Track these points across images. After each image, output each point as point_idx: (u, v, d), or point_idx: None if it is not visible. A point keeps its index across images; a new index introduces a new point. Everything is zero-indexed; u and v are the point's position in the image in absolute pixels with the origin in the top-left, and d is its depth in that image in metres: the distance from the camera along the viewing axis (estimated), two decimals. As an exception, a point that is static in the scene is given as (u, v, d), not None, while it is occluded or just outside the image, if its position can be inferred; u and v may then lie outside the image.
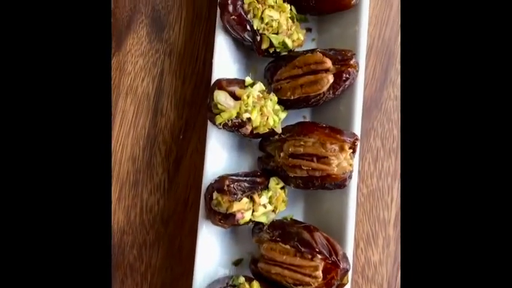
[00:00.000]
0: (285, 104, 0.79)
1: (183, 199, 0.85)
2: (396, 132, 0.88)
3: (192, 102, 0.87)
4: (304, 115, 0.86)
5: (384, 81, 0.89)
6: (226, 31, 0.78)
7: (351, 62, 0.75)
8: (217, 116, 0.70)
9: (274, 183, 0.75)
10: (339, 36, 0.84)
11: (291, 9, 0.79)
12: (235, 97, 0.71)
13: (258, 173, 0.77)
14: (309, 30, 0.88)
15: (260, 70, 0.84)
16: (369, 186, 0.88)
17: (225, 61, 0.79)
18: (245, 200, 0.70)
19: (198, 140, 0.85)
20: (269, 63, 0.82)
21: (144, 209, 0.85)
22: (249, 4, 0.75)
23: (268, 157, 0.80)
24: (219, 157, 0.78)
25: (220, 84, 0.71)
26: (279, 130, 0.76)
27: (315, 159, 0.73)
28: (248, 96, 0.71)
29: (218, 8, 0.76)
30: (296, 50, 0.82)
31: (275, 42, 0.77)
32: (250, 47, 0.79)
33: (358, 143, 0.75)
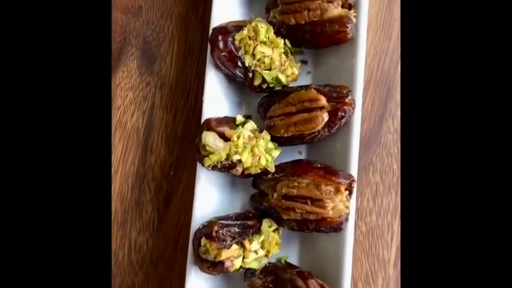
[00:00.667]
0: (279, 141, 0.76)
1: (173, 239, 0.82)
2: (396, 166, 0.84)
3: (183, 137, 0.84)
4: (299, 150, 0.83)
5: (383, 114, 0.86)
6: (217, 67, 0.75)
7: (347, 100, 0.71)
8: (206, 158, 0.67)
9: (267, 225, 0.72)
10: (336, 69, 0.81)
11: (285, 43, 0.76)
12: (225, 138, 0.68)
13: (251, 214, 0.73)
14: (304, 62, 0.85)
15: (254, 104, 0.81)
16: (368, 224, 0.84)
17: (216, 97, 0.76)
18: (235, 246, 0.67)
19: (189, 177, 0.82)
20: (262, 98, 0.79)
21: (132, 248, 0.81)
22: (240, 40, 0.72)
23: (262, 195, 0.76)
24: (210, 198, 0.75)
25: (209, 125, 0.68)
26: (272, 169, 0.73)
27: (309, 201, 0.70)
28: (238, 137, 0.68)
29: (208, 44, 0.73)
30: (291, 84, 0.79)
31: (268, 78, 0.74)
32: (242, 82, 0.76)
33: (355, 185, 0.71)
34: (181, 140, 0.84)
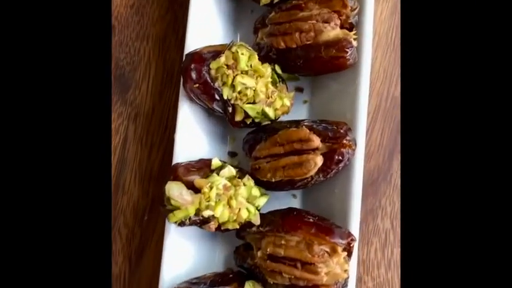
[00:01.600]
0: (266, 185, 0.64)
1: (145, 296, 0.71)
2: (409, 210, 0.71)
3: (159, 176, 0.73)
4: (294, 193, 0.71)
5: (394, 148, 0.73)
6: (193, 101, 0.63)
7: (345, 141, 0.59)
8: (171, 215, 0.56)
9: (249, 290, 0.60)
10: (336, 96, 0.69)
11: (274, 70, 0.65)
12: (195, 189, 0.56)
13: (231, 275, 0.62)
14: (299, 90, 0.73)
15: (240, 138, 0.69)
16: (375, 279, 0.71)
17: (192, 135, 0.65)
18: (206, 322, 0.55)
19: (165, 223, 0.71)
20: (248, 133, 0.67)
21: (100, 305, 0.70)
22: (217, 70, 0.60)
23: (247, 248, 0.65)
24: (183, 254, 0.64)
25: (175, 173, 0.57)
26: (256, 222, 0.61)
27: (298, 265, 0.58)
28: (211, 187, 0.56)
29: (181, 74, 0.62)
30: (283, 117, 0.67)
31: (251, 113, 0.62)
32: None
33: (355, 244, 0.59)
34: (157, 179, 0.73)
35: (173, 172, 0.57)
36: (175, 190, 0.55)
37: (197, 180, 0.56)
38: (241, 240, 0.67)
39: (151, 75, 0.76)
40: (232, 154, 0.72)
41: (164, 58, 0.76)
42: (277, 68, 0.66)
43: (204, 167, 0.59)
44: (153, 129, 0.74)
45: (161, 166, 0.74)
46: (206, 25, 0.68)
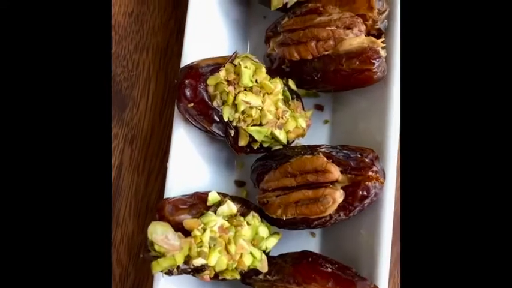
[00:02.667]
0: (277, 222, 0.53)
1: None
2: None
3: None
4: (311, 231, 0.60)
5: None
6: (189, 123, 0.54)
7: (371, 172, 0.48)
8: (154, 263, 0.46)
9: None
10: (362, 115, 0.58)
11: (286, 85, 0.54)
12: (185, 231, 0.46)
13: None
14: (319, 108, 0.62)
15: (250, 163, 0.59)
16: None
17: (189, 163, 0.55)
18: None
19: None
20: (257, 160, 0.57)
21: None
22: (215, 86, 0.50)
23: (256, 296, 0.54)
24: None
25: (162, 211, 0.47)
26: (263, 269, 0.51)
27: (312, 324, 0.46)
28: (204, 229, 0.46)
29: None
30: (297, 141, 0.56)
31: (258, 137, 0.52)
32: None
33: (383, 301, 0.47)
34: (155, 212, 0.63)
35: (159, 210, 0.48)
36: (159, 233, 0.46)
37: (187, 220, 0.46)
38: (248, 285, 0.56)
39: (151, 91, 0.67)
40: (239, 183, 0.62)
41: (166, 72, 0.67)
42: (291, 83, 0.56)
43: (198, 202, 0.49)
44: (151, 153, 0.65)
45: (160, 197, 0.64)
46: (209, 33, 0.59)
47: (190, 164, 0.55)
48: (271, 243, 0.52)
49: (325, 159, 0.50)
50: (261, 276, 0.52)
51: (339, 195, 0.49)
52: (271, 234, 0.53)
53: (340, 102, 0.62)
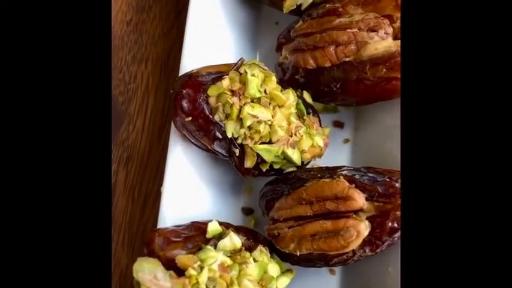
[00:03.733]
0: (291, 258, 0.45)
1: None
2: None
3: (154, 238, 0.55)
4: (331, 268, 0.52)
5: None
6: (187, 139, 0.46)
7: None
8: (140, 308, 0.38)
9: None
10: (389, 134, 0.50)
11: (300, 98, 0.47)
12: (178, 269, 0.38)
13: None
14: (339, 125, 0.55)
15: (259, 188, 0.51)
16: None
17: (188, 188, 0.48)
18: None
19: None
20: (267, 184, 0.49)
21: None
22: (218, 97, 0.43)
23: None
24: None
25: (150, 245, 0.39)
26: (273, 314, 0.42)
27: None
28: (201, 268, 0.38)
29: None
30: (313, 162, 0.48)
31: (267, 157, 0.44)
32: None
33: None
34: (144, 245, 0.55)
35: (148, 243, 0.40)
36: (146, 271, 0.38)
37: (180, 257, 0.38)
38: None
39: (149, 107, 0.60)
40: (247, 211, 0.54)
41: (166, 85, 0.60)
42: (306, 96, 0.48)
43: (195, 234, 0.41)
44: (148, 176, 0.58)
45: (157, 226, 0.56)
46: (213, 40, 0.52)
47: (189, 189, 0.48)
48: (282, 283, 0.44)
49: (347, 183, 0.42)
50: (271, 325, 0.44)
51: (364, 228, 0.41)
52: (283, 272, 0.45)
53: (363, 119, 0.55)
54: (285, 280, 0.44)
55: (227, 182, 0.53)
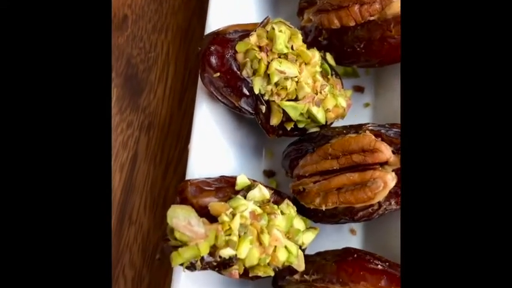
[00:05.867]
0: (314, 215, 0.46)
1: None
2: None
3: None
4: (352, 228, 0.53)
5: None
6: (214, 98, 0.47)
7: (429, 151, 0.40)
8: (175, 254, 0.39)
9: None
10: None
11: (323, 59, 0.48)
12: (211, 216, 0.39)
13: None
14: (359, 90, 0.55)
15: (280, 152, 0.52)
16: None
17: (213, 146, 0.48)
18: None
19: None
20: (290, 144, 0.50)
21: None
22: (245, 53, 0.44)
23: (289, 303, 0.46)
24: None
25: (183, 193, 0.40)
26: (299, 267, 0.43)
27: (361, 333, 0.39)
28: (233, 215, 0.39)
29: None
30: (335, 123, 0.49)
31: (293, 114, 0.45)
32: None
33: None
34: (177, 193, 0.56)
35: (180, 192, 0.41)
36: (180, 218, 0.38)
37: (213, 204, 0.39)
38: (279, 290, 0.48)
39: (169, 75, 0.60)
40: (269, 173, 0.55)
41: (187, 55, 0.61)
42: (329, 58, 0.49)
43: (225, 186, 0.42)
44: (169, 143, 0.59)
45: (179, 189, 0.57)
46: (236, 5, 0.53)
47: (214, 147, 0.49)
48: (308, 238, 0.45)
49: (373, 136, 0.43)
50: (296, 276, 0.45)
51: (391, 179, 0.41)
52: (308, 228, 0.46)
53: (383, 84, 0.56)
54: (310, 235, 0.45)
55: (249, 145, 0.54)
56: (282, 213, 0.43)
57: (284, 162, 0.50)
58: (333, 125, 0.50)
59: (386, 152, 0.42)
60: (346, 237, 0.53)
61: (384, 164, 0.42)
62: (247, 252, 0.39)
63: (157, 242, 0.57)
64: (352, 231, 0.53)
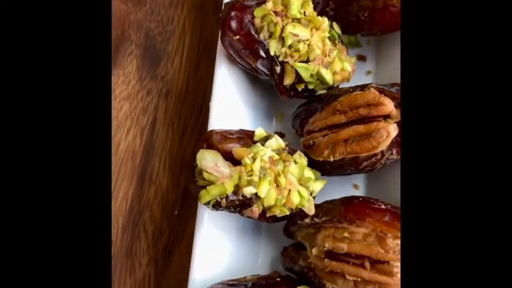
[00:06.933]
0: (322, 167, 0.51)
1: (175, 305, 0.58)
2: None
3: (193, 163, 0.61)
4: (355, 183, 0.58)
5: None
6: (233, 60, 0.52)
7: (427, 103, 0.45)
8: (203, 192, 0.44)
9: (301, 298, 0.46)
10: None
11: (331, 26, 0.53)
12: (234, 160, 0.44)
13: (278, 279, 0.49)
14: (362, 58, 0.60)
15: (289, 115, 0.57)
16: None
17: (231, 104, 0.53)
18: (246, 333, 0.41)
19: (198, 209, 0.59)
20: (299, 106, 0.55)
21: (120, 317, 0.58)
22: (263, 18, 0.49)
23: (298, 249, 0.52)
24: (218, 252, 0.51)
25: (210, 139, 0.45)
26: (310, 210, 0.48)
27: (367, 263, 0.44)
28: (254, 159, 0.44)
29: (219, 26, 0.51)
30: (341, 86, 0.54)
31: (304, 74, 0.50)
32: (270, 83, 0.53)
33: (442, 238, 0.44)
34: (190, 167, 0.60)
35: (207, 139, 0.45)
36: (209, 160, 0.43)
37: (236, 149, 0.44)
38: (290, 238, 0.53)
39: (185, 46, 0.65)
40: (279, 135, 0.60)
41: (201, 27, 0.66)
42: (336, 27, 0.54)
43: (245, 137, 0.47)
44: (186, 110, 0.63)
45: (195, 153, 0.62)
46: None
47: (232, 105, 0.53)
48: (317, 186, 0.50)
49: (377, 92, 0.48)
50: (307, 220, 0.50)
51: (393, 129, 0.46)
52: (317, 179, 0.51)
53: (383, 54, 0.60)
54: (319, 184, 0.50)
55: (262, 107, 0.58)
56: (295, 162, 0.48)
57: (294, 122, 0.55)
58: (338, 88, 0.55)
59: (389, 105, 0.47)
60: (350, 192, 0.57)
61: (387, 116, 0.47)
62: (266, 192, 0.44)
63: (175, 198, 0.61)
64: (356, 186, 0.58)
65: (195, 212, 0.57)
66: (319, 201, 0.52)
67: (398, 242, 0.44)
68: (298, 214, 0.49)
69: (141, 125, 0.63)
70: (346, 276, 0.45)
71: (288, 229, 0.53)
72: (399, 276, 0.43)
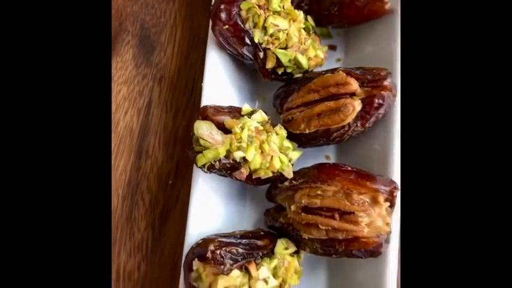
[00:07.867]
0: (299, 140, 0.60)
1: (170, 264, 0.66)
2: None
3: (184, 140, 0.69)
4: (327, 154, 0.66)
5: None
6: (222, 47, 0.60)
7: (385, 83, 0.55)
8: (200, 156, 0.52)
9: (282, 247, 0.55)
10: (372, 54, 0.65)
11: (306, 19, 0.61)
12: (226, 130, 0.52)
13: (262, 233, 0.57)
14: (333, 48, 0.69)
15: (270, 98, 0.65)
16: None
17: (220, 84, 0.61)
18: (236, 272, 0.50)
19: (191, 188, 0.66)
20: (279, 88, 0.63)
21: (121, 275, 0.66)
22: (248, 10, 0.57)
23: (279, 210, 0.60)
24: (210, 211, 0.59)
25: (205, 112, 0.53)
26: (289, 174, 0.56)
27: (336, 215, 0.53)
28: (242, 128, 0.52)
29: (210, 17, 0.59)
30: (315, 70, 0.63)
31: (284, 59, 0.58)
32: (254, 67, 0.61)
33: (398, 193, 0.53)
34: (183, 143, 0.69)
35: (202, 112, 0.54)
36: (204, 129, 0.52)
37: (227, 120, 0.52)
38: (271, 202, 0.62)
39: (177, 37, 0.73)
40: (261, 113, 0.69)
41: (191, 20, 0.74)
42: (310, 20, 0.63)
43: (234, 111, 0.55)
44: (178, 93, 0.71)
45: (187, 130, 0.70)
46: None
47: (221, 86, 0.61)
48: (295, 155, 0.58)
49: (345, 74, 0.57)
50: (286, 183, 0.58)
51: (357, 104, 0.55)
52: (294, 149, 0.59)
53: (351, 45, 0.69)
54: (296, 154, 0.59)
55: (247, 90, 0.67)
56: (277, 133, 0.57)
57: (275, 101, 0.63)
58: (314, 71, 0.64)
59: (354, 84, 0.56)
60: (323, 161, 0.66)
61: (352, 94, 0.56)
62: (253, 156, 0.53)
63: (169, 171, 0.69)
64: (327, 157, 0.67)
65: (187, 182, 0.65)
66: (296, 169, 0.60)
67: (362, 197, 0.53)
68: (278, 178, 0.58)
69: (138, 106, 0.71)
70: (319, 226, 0.53)
71: (270, 193, 0.61)
72: (363, 224, 0.52)
